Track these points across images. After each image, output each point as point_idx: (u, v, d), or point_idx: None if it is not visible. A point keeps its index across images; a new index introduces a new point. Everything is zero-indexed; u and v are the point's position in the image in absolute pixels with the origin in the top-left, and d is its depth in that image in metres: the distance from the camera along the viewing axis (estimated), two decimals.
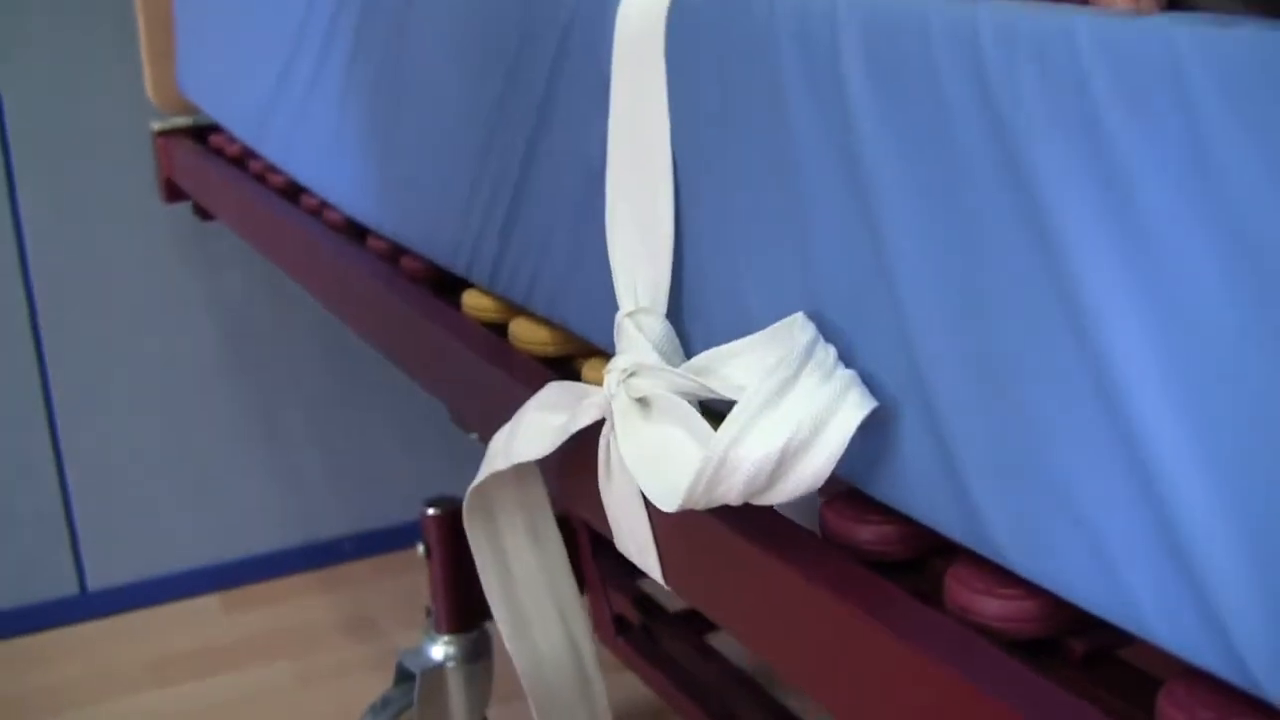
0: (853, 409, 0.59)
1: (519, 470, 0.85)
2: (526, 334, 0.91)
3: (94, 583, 2.14)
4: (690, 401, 0.68)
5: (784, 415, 0.59)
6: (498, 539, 0.92)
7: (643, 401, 0.70)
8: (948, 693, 0.53)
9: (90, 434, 2.10)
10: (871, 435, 0.59)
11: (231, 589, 2.22)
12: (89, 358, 2.08)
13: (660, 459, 0.68)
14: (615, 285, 0.75)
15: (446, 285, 1.06)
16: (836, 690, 0.59)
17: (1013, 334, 0.51)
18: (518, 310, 0.94)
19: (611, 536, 0.77)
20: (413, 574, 2.18)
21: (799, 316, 0.63)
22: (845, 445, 0.59)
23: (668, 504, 0.65)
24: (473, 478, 0.86)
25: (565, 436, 0.75)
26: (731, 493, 0.61)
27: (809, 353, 0.60)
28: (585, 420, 0.74)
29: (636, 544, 0.74)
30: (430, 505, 1.54)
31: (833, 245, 0.61)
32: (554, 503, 0.92)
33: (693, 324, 0.73)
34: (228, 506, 2.22)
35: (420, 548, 1.56)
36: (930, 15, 0.54)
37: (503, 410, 0.85)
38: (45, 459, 2.09)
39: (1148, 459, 0.47)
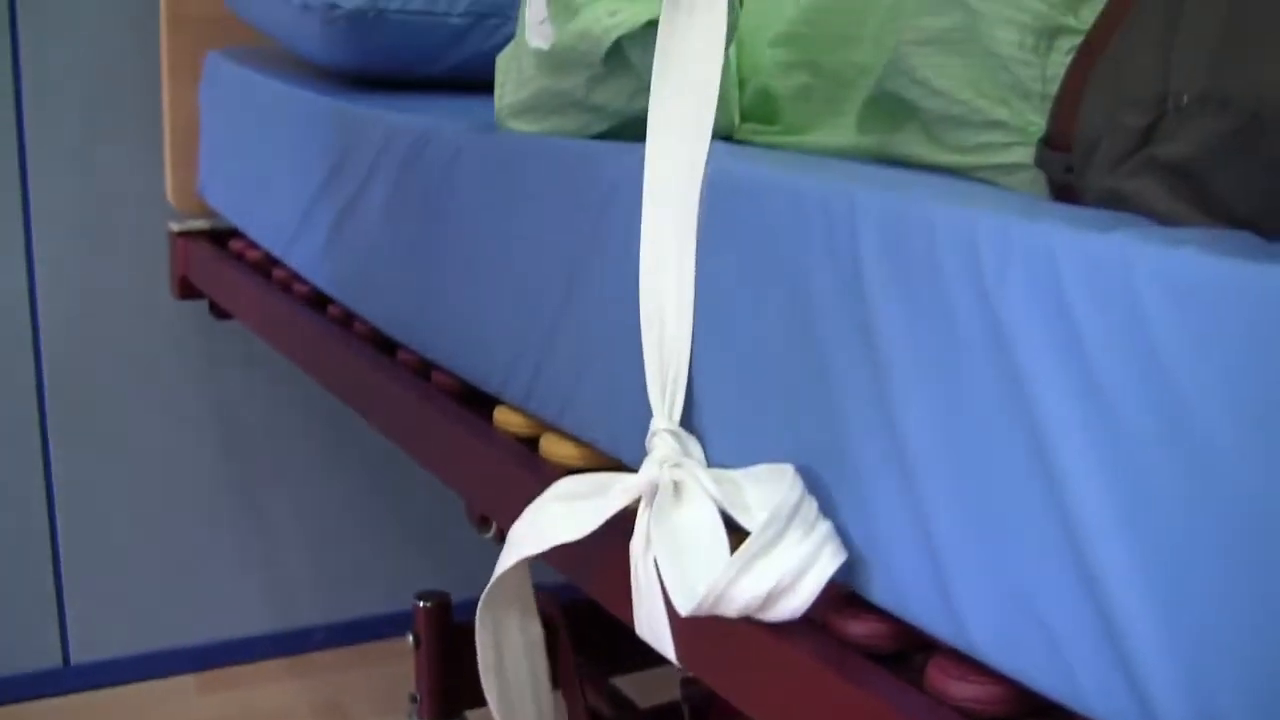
0: (827, 561, 0.75)
1: (516, 566, 0.97)
2: (556, 449, 1.03)
3: (77, 656, 2.23)
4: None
5: (772, 564, 0.75)
6: (499, 627, 1.04)
7: (677, 489, 0.83)
8: None
9: (85, 514, 2.21)
10: (875, 554, 0.73)
11: (207, 670, 2.30)
12: (91, 442, 2.19)
13: (684, 554, 0.81)
14: (652, 405, 0.87)
15: (476, 399, 1.18)
16: None
17: (996, 484, 0.65)
18: (547, 427, 1.07)
19: (629, 620, 0.89)
20: (382, 664, 2.28)
21: (790, 472, 0.78)
22: (820, 589, 0.75)
23: (682, 608, 0.79)
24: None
25: (604, 518, 0.86)
26: (729, 612, 0.77)
27: (795, 509, 0.76)
28: (623, 502, 0.86)
29: (653, 628, 0.86)
30: (420, 598, 1.66)
31: (845, 395, 0.74)
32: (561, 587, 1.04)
33: (709, 437, 0.86)
34: (209, 591, 2.32)
35: (410, 637, 1.66)
36: (936, 218, 0.68)
37: None
38: (41, 535, 2.18)
39: (1099, 583, 0.60)
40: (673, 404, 0.87)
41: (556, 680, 1.64)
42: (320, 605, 2.40)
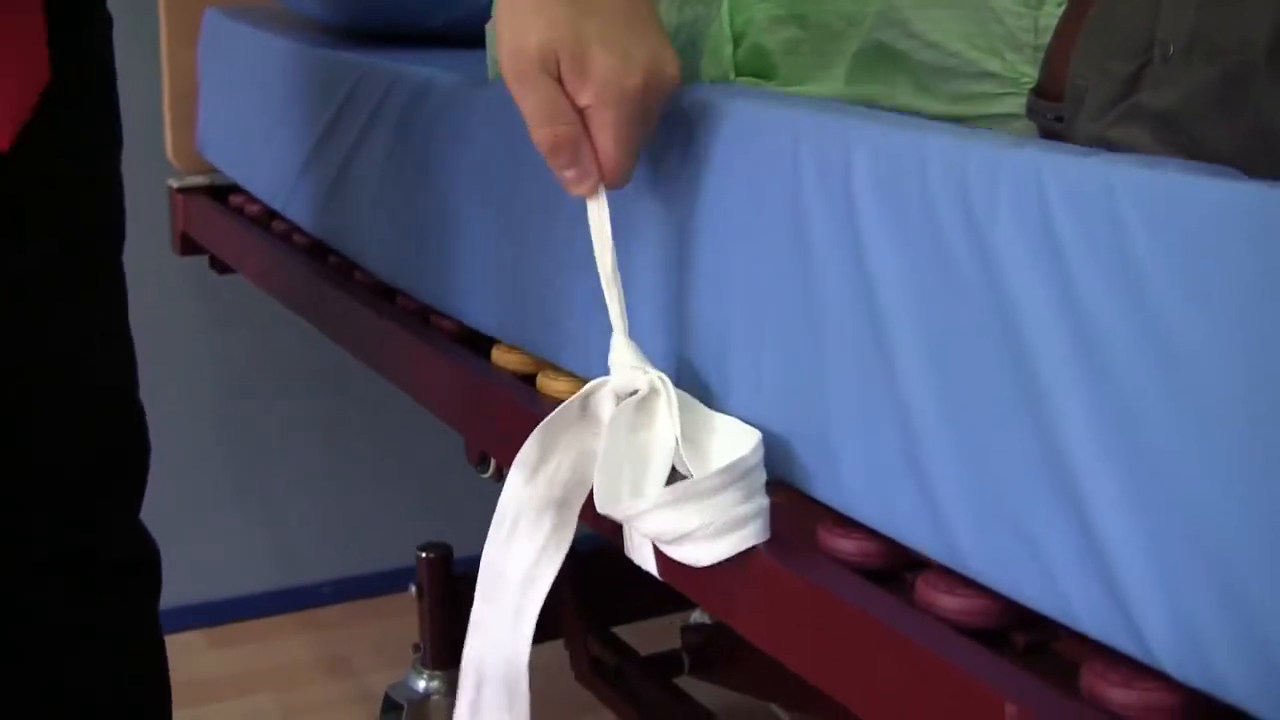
0: (748, 535, 0.77)
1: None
2: (553, 384, 1.05)
3: None
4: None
5: (698, 511, 0.76)
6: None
7: (647, 398, 0.84)
8: (923, 664, 0.67)
9: None
10: (865, 473, 0.75)
11: (216, 626, 2.33)
12: None
13: (625, 463, 0.82)
14: (612, 320, 0.87)
15: (474, 341, 1.19)
16: (823, 665, 0.74)
17: (984, 403, 0.66)
18: (544, 364, 1.08)
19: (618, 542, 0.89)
20: (387, 618, 2.30)
21: (757, 437, 0.79)
22: (728, 556, 0.76)
23: (599, 504, 0.81)
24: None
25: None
26: (636, 530, 0.80)
27: (746, 474, 0.77)
28: (610, 407, 0.86)
29: (637, 543, 0.86)
30: (423, 550, 1.67)
31: (838, 318, 0.75)
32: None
33: (698, 363, 0.88)
34: (216, 548, 2.33)
35: (412, 588, 1.68)
36: (928, 145, 0.70)
37: None
38: None
39: (1082, 498, 0.61)
40: (622, 310, 0.87)
41: (560, 629, 1.66)
42: (326, 562, 2.42)
